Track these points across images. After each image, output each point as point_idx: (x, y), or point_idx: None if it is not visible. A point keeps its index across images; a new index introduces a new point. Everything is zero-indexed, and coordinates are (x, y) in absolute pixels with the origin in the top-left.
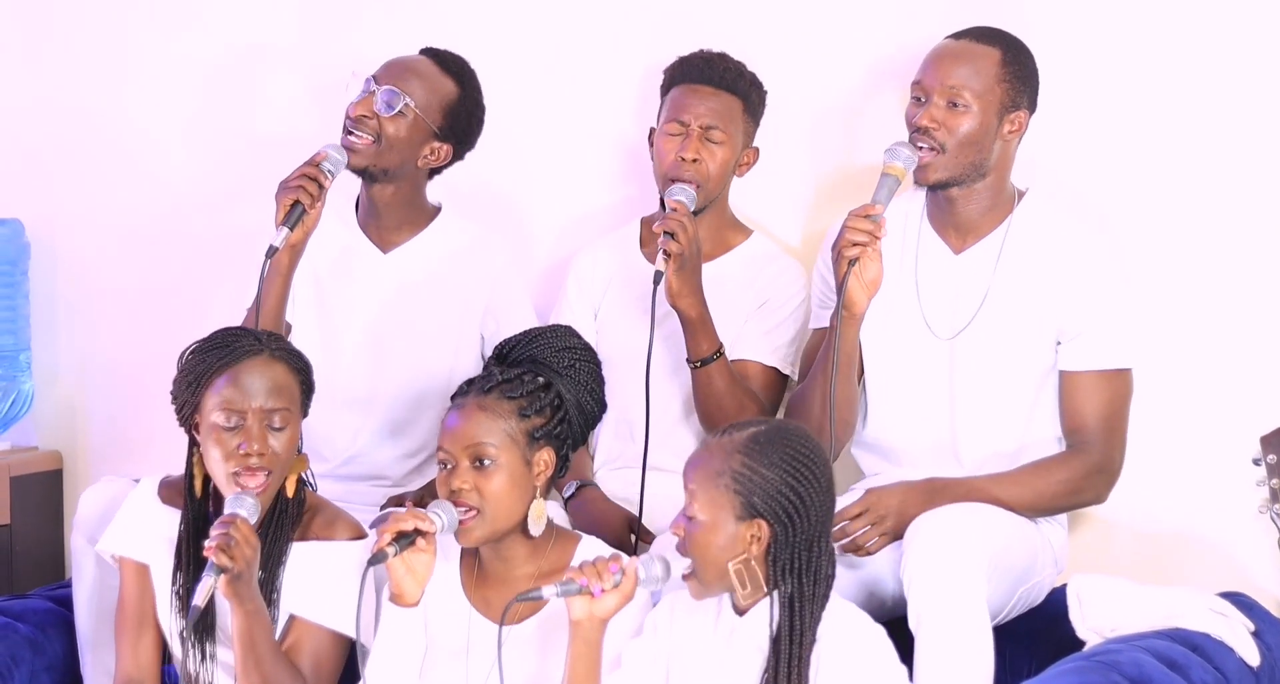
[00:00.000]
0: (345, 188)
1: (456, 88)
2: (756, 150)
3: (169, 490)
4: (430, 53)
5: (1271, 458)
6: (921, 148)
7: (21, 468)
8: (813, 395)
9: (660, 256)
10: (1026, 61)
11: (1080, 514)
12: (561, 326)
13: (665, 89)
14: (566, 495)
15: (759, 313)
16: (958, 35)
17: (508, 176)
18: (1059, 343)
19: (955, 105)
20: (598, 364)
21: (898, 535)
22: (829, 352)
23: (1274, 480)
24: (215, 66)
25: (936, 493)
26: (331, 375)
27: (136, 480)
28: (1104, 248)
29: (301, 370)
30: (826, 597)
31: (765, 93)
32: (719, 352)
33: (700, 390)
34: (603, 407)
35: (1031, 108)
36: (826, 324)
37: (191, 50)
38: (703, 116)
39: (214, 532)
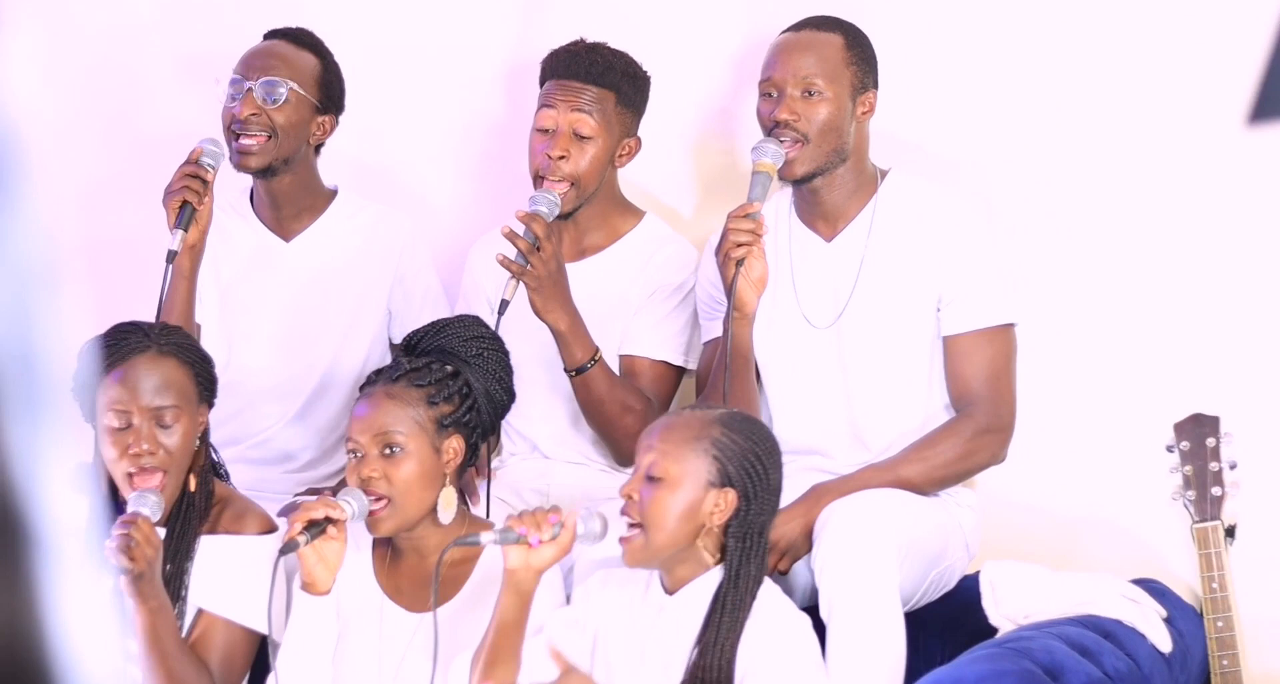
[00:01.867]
0: (236, 183)
1: (316, 59)
2: (638, 140)
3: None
4: (278, 34)
5: (1184, 444)
6: (785, 142)
7: None
8: (713, 402)
9: (508, 281)
10: (866, 43)
11: (993, 498)
12: (469, 316)
13: (541, 81)
14: None
15: (648, 302)
16: (796, 27)
17: (401, 162)
18: (938, 310)
19: (810, 94)
20: (506, 353)
21: (803, 551)
22: (723, 356)
23: (1186, 467)
24: (88, 62)
25: (824, 497)
26: (245, 365)
27: None
28: (971, 208)
29: (195, 362)
30: (760, 581)
31: (646, 80)
32: (594, 359)
33: (580, 397)
34: (511, 395)
35: (876, 86)
36: (716, 335)
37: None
38: (570, 112)
39: (115, 531)
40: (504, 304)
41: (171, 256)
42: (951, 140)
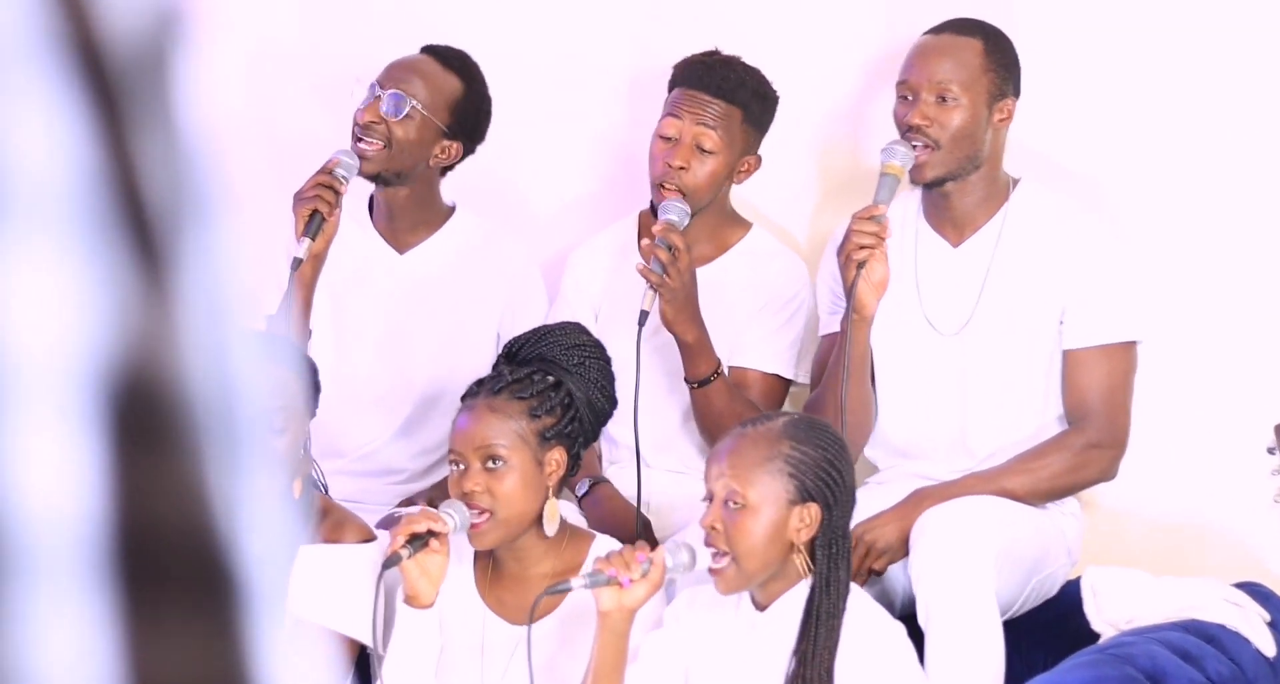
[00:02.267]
0: (357, 190)
1: (461, 84)
2: (759, 158)
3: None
4: (431, 50)
5: None
6: (916, 146)
7: None
8: (826, 402)
9: (646, 292)
10: (1008, 48)
11: (1094, 504)
12: (570, 323)
13: (670, 88)
14: (580, 493)
15: (759, 315)
16: (936, 30)
17: (511, 170)
18: (1061, 323)
19: (945, 100)
20: (608, 361)
21: (900, 555)
22: (841, 356)
23: None
24: (229, 71)
25: (924, 502)
26: (349, 375)
27: None
28: (1101, 224)
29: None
30: (849, 585)
31: (775, 100)
32: (717, 372)
33: (699, 409)
34: (613, 403)
35: (1017, 94)
36: (834, 330)
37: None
38: (695, 124)
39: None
40: (644, 315)
41: (297, 265)
42: (1082, 153)
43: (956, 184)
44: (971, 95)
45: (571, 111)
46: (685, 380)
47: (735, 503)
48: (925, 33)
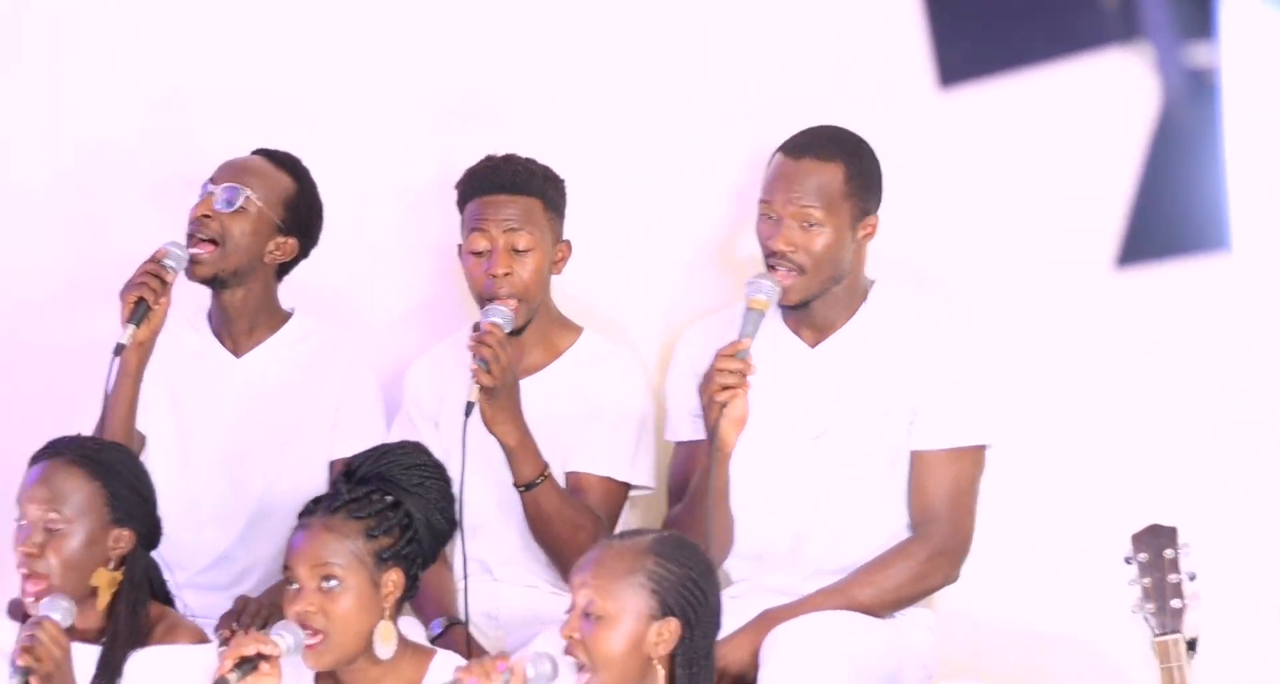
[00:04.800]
0: (197, 298)
1: (293, 181)
2: (568, 243)
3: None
4: (263, 152)
5: (1143, 556)
6: (779, 270)
7: None
8: (686, 525)
9: (472, 385)
10: (869, 165)
11: (950, 615)
12: (410, 443)
13: (461, 203)
14: (434, 634)
15: (591, 419)
16: (797, 152)
17: (347, 278)
18: (911, 424)
19: (809, 225)
20: (448, 482)
21: (753, 676)
22: (704, 483)
23: (1145, 579)
24: (63, 172)
25: (772, 622)
26: (187, 486)
27: None
28: (953, 324)
29: (109, 480)
30: None
31: (562, 183)
32: (543, 474)
33: (529, 514)
34: (453, 525)
35: (879, 205)
36: (685, 437)
37: (41, 156)
38: (504, 228)
39: (21, 633)
40: (470, 405)
41: (119, 350)
42: (936, 255)
43: (820, 298)
44: (836, 219)
45: (405, 220)
46: (514, 486)
47: (594, 614)
48: (786, 151)
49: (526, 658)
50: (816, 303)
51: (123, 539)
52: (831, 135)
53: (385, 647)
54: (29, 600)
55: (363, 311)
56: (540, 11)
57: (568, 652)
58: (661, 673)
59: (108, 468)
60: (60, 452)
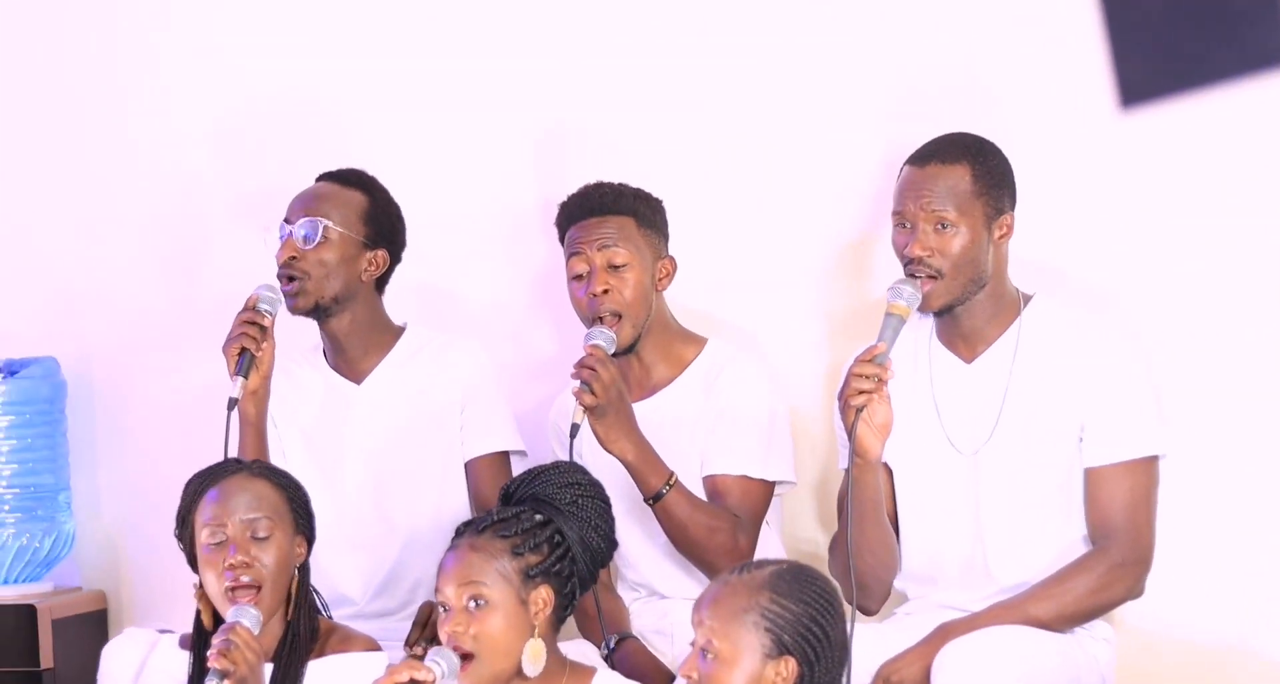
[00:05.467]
0: (310, 335)
1: (364, 196)
2: (672, 260)
3: (187, 641)
4: (326, 176)
5: None
6: (919, 277)
7: (64, 610)
8: (840, 544)
9: (576, 407)
10: (997, 165)
11: (1128, 629)
12: (565, 462)
13: (561, 237)
14: (607, 651)
15: (719, 420)
16: (922, 160)
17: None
18: (1081, 440)
19: (943, 227)
20: (606, 501)
21: None
22: (845, 504)
23: None
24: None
25: (947, 636)
26: (337, 518)
27: (162, 631)
28: (1119, 337)
29: (287, 488)
30: None
31: (657, 202)
32: (669, 483)
33: (664, 526)
34: (612, 544)
35: (1013, 205)
36: (846, 465)
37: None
38: (597, 248)
39: (215, 639)
40: (575, 427)
41: (232, 404)
42: (1097, 267)
43: (964, 306)
44: (969, 219)
45: (505, 242)
46: (644, 501)
47: (710, 653)
48: (912, 161)
49: None
50: (962, 312)
51: (301, 547)
52: (954, 139)
53: (533, 665)
54: (250, 609)
55: (487, 324)
56: (663, 21)
57: None
58: None
59: (282, 476)
60: (235, 470)
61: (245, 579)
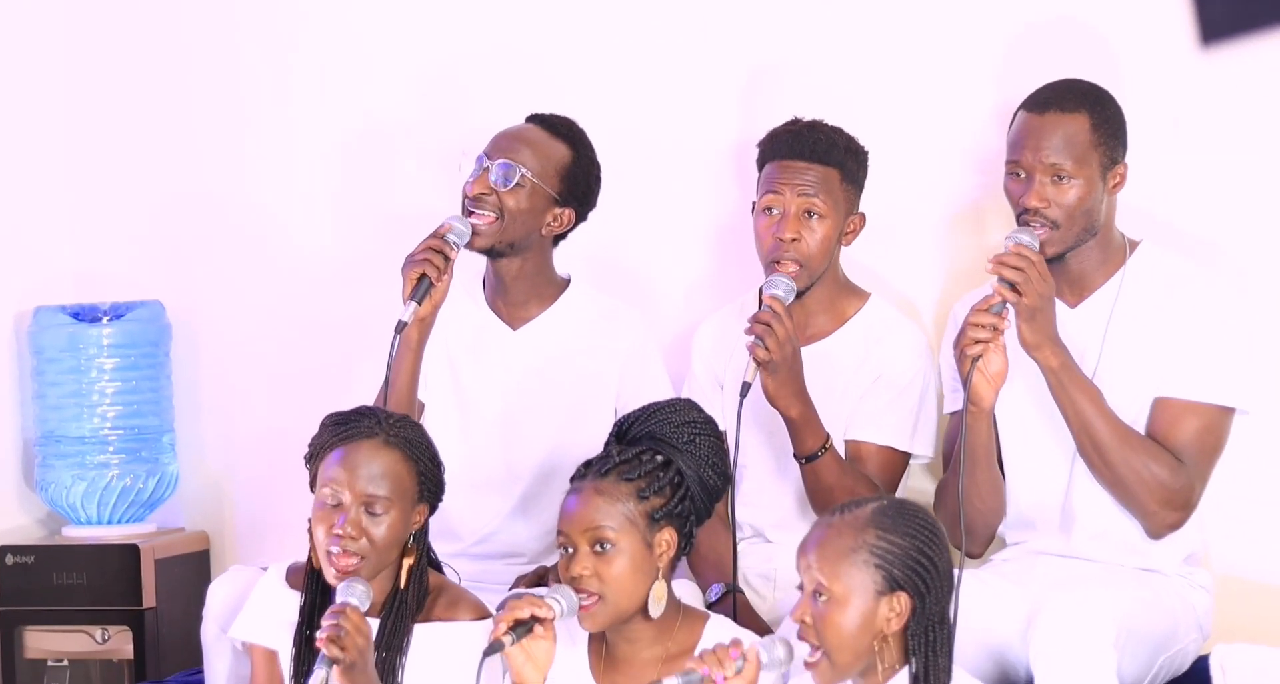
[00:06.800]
0: (473, 265)
1: (569, 150)
2: (862, 216)
3: (296, 575)
4: (537, 119)
5: None
6: (1035, 226)
7: (167, 550)
8: (950, 488)
9: (749, 364)
10: (1114, 114)
11: (1226, 579)
12: (681, 400)
13: (760, 164)
14: (711, 600)
15: (874, 388)
16: (1041, 106)
17: (630, 244)
18: (1163, 373)
19: (1060, 179)
20: (719, 437)
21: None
22: (957, 450)
23: None
24: (339, 146)
25: (1060, 348)
26: (466, 456)
27: (264, 568)
28: (1220, 288)
29: (420, 460)
30: (950, 671)
31: (865, 155)
32: (825, 446)
33: (809, 485)
34: (726, 480)
35: (1126, 153)
36: (956, 408)
37: (315, 132)
38: (798, 193)
39: (325, 622)
40: (746, 386)
41: (400, 327)
42: (1205, 218)
43: (1074, 252)
44: (1086, 171)
45: (683, 188)
46: (795, 457)
47: (822, 595)
48: (1029, 108)
49: (760, 643)
50: (1071, 257)
51: (421, 514)
52: (1073, 87)
53: (657, 606)
54: (331, 573)
55: (647, 282)
56: None
57: (800, 636)
58: (894, 646)
59: (416, 447)
60: (371, 432)
61: (350, 548)
